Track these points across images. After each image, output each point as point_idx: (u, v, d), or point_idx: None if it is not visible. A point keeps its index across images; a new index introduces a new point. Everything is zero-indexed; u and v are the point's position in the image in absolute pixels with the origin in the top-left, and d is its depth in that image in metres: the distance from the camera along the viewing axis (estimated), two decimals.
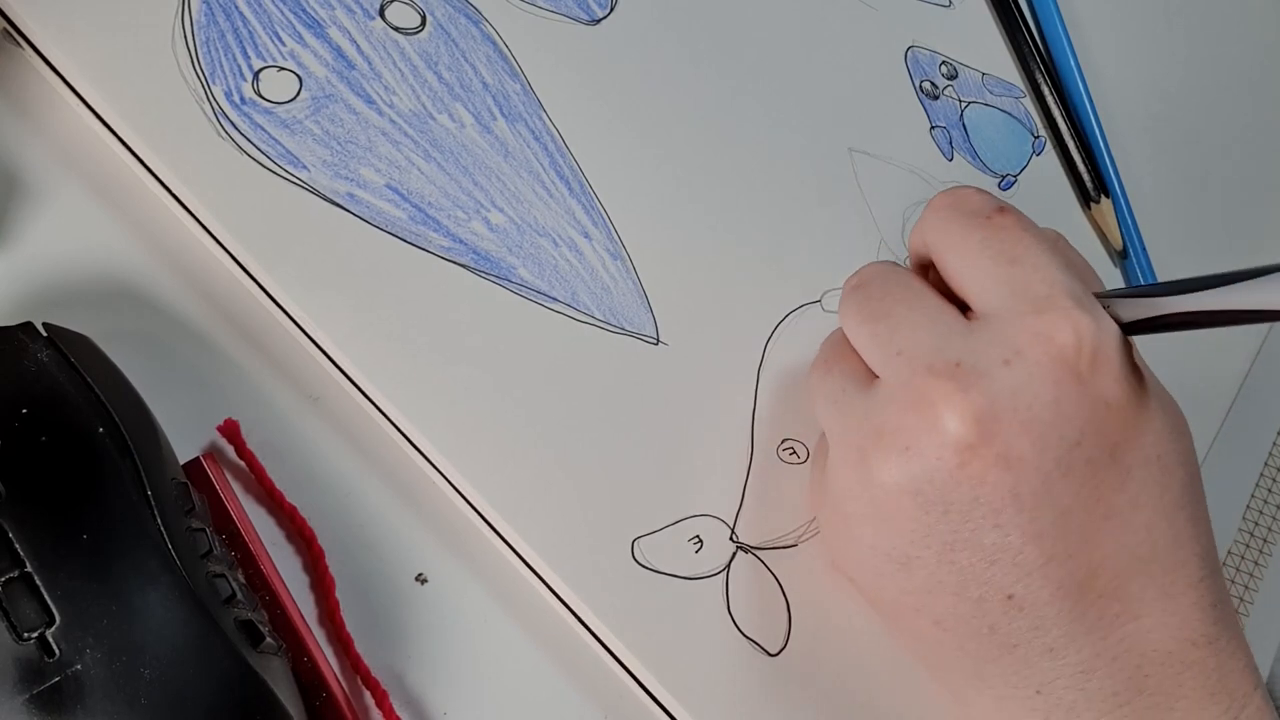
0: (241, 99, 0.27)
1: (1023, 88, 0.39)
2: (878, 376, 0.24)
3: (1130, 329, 0.23)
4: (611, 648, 0.26)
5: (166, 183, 0.26)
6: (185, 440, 0.25)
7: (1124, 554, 0.23)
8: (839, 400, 0.25)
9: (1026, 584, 0.23)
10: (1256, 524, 0.38)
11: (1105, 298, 0.24)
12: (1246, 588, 0.37)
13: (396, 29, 0.29)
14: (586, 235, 0.29)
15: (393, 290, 0.27)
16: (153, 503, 0.21)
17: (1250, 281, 0.21)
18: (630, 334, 0.29)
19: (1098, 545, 0.23)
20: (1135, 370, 0.23)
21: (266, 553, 0.25)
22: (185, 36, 0.27)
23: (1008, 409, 0.22)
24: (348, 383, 0.26)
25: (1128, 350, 0.23)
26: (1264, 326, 0.39)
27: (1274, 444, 0.40)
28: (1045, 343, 0.22)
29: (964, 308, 0.24)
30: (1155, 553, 0.23)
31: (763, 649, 0.27)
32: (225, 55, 0.27)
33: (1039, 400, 0.22)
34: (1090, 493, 0.22)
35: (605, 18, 0.32)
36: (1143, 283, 0.36)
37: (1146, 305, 0.23)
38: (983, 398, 0.22)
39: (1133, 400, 0.23)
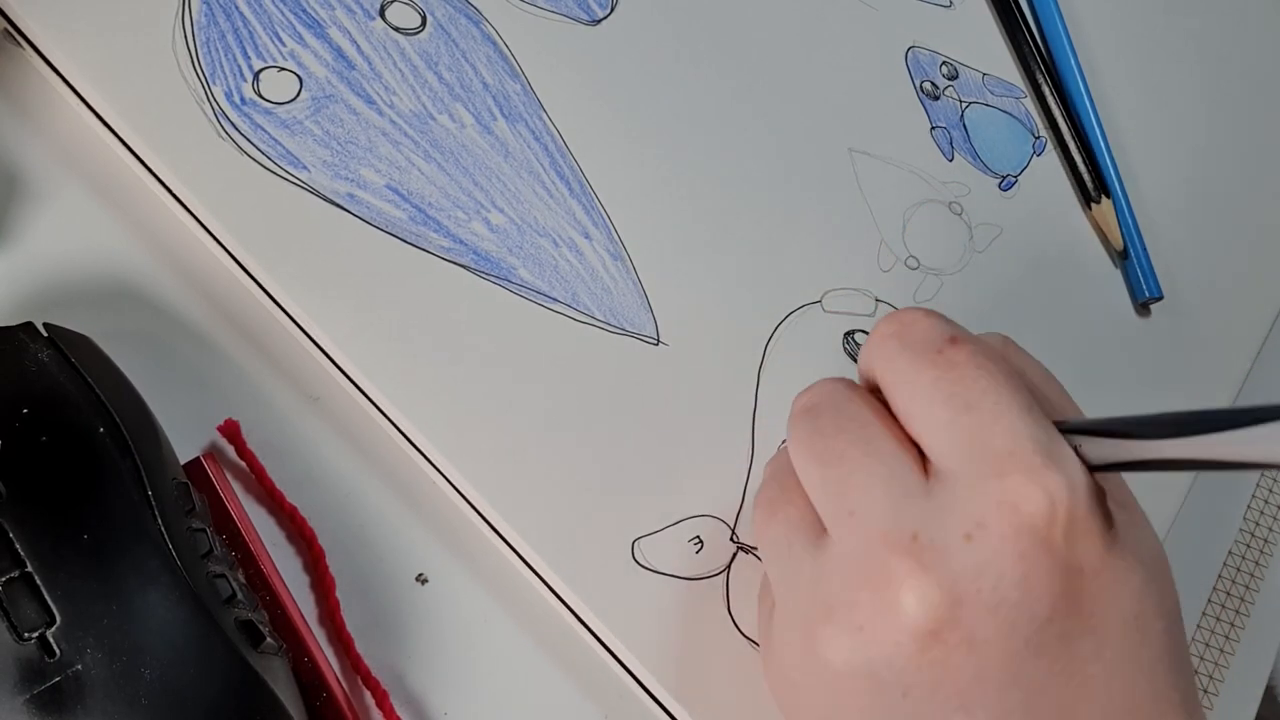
0: (242, 99, 0.27)
1: (1023, 88, 0.38)
2: (826, 529, 0.22)
3: (1101, 468, 0.21)
4: (611, 648, 0.26)
5: (167, 183, 0.26)
6: (185, 440, 0.25)
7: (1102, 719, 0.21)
8: (785, 556, 0.23)
9: None
10: (1257, 524, 0.38)
11: (1074, 433, 0.21)
12: (1247, 588, 0.37)
13: (397, 29, 0.29)
14: (587, 235, 0.29)
15: (393, 290, 0.27)
16: (153, 503, 0.21)
17: (1241, 431, 0.18)
18: (630, 334, 0.29)
19: (1073, 717, 0.21)
20: (1109, 522, 0.21)
21: (267, 553, 0.25)
22: (185, 37, 0.27)
23: (971, 591, 0.20)
24: (348, 383, 0.26)
25: (1102, 503, 0.21)
26: (1263, 329, 0.39)
27: None
28: (1010, 513, 0.20)
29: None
30: (1135, 714, 0.21)
31: None
32: (225, 55, 0.27)
33: (1005, 579, 0.20)
34: (1064, 667, 0.20)
35: (605, 18, 0.32)
36: (1142, 284, 0.36)
37: (1122, 449, 0.20)
38: (944, 578, 0.20)
39: (1108, 561, 0.20)
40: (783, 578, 0.23)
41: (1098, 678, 0.21)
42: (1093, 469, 0.21)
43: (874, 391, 0.24)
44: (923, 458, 0.22)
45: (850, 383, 0.24)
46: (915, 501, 0.21)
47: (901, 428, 0.22)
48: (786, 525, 0.23)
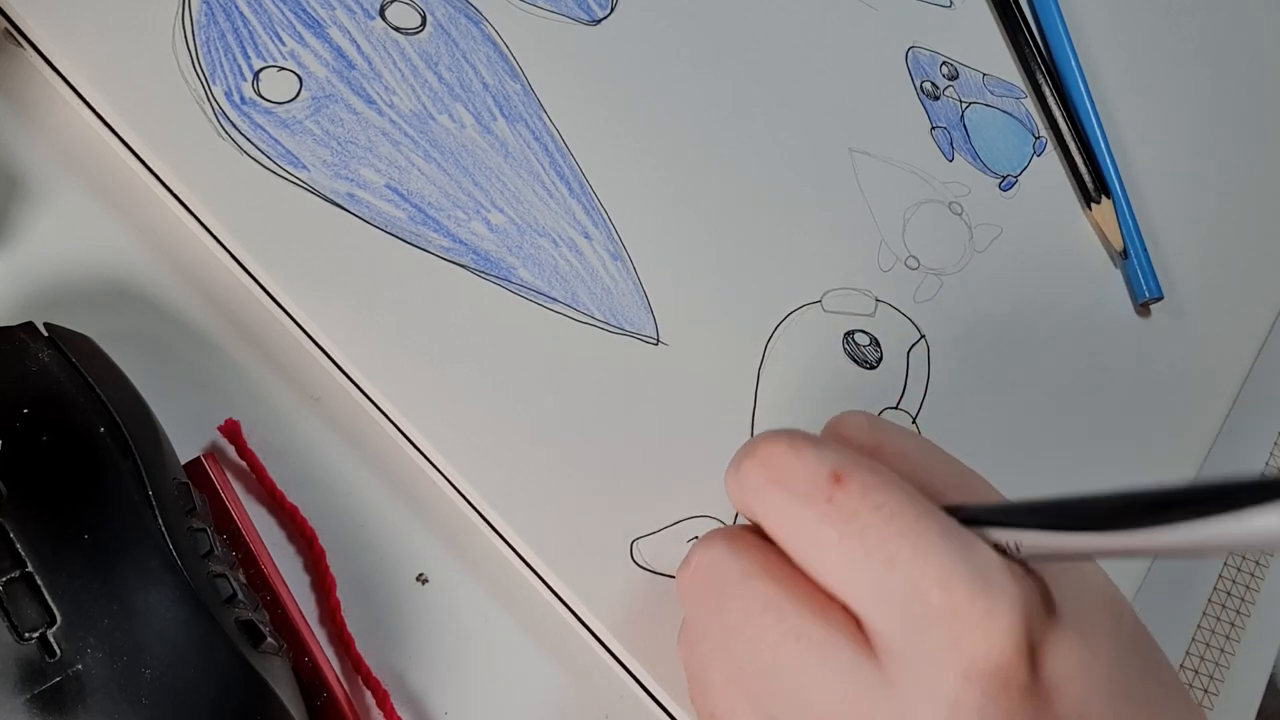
0: (242, 99, 0.27)
1: (1024, 88, 0.38)
2: None
3: (1032, 559, 0.20)
4: (611, 648, 0.26)
5: (167, 183, 0.26)
6: (186, 440, 0.25)
7: None
8: None
9: None
10: None
11: (990, 524, 0.20)
12: (1248, 588, 0.37)
13: (397, 29, 0.29)
14: (587, 235, 0.29)
15: (393, 290, 0.27)
16: (154, 503, 0.21)
17: (1199, 522, 0.15)
18: (630, 334, 0.29)
19: None
20: (1052, 605, 0.20)
21: (267, 553, 0.25)
22: (185, 36, 0.27)
23: None
24: (348, 383, 0.26)
25: (1048, 600, 0.20)
26: (1263, 329, 0.39)
27: (1274, 444, 0.40)
28: (977, 678, 0.19)
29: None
30: None
31: None
32: (225, 55, 0.27)
33: None
34: None
35: (606, 18, 0.32)
36: (1142, 284, 0.36)
37: (1060, 542, 0.18)
38: None
39: (1074, 655, 0.19)
40: None
41: None
42: (1025, 560, 0.20)
43: (757, 530, 0.22)
44: (848, 613, 0.20)
45: (732, 546, 0.22)
46: (877, 695, 0.20)
47: (810, 582, 0.21)
48: None
